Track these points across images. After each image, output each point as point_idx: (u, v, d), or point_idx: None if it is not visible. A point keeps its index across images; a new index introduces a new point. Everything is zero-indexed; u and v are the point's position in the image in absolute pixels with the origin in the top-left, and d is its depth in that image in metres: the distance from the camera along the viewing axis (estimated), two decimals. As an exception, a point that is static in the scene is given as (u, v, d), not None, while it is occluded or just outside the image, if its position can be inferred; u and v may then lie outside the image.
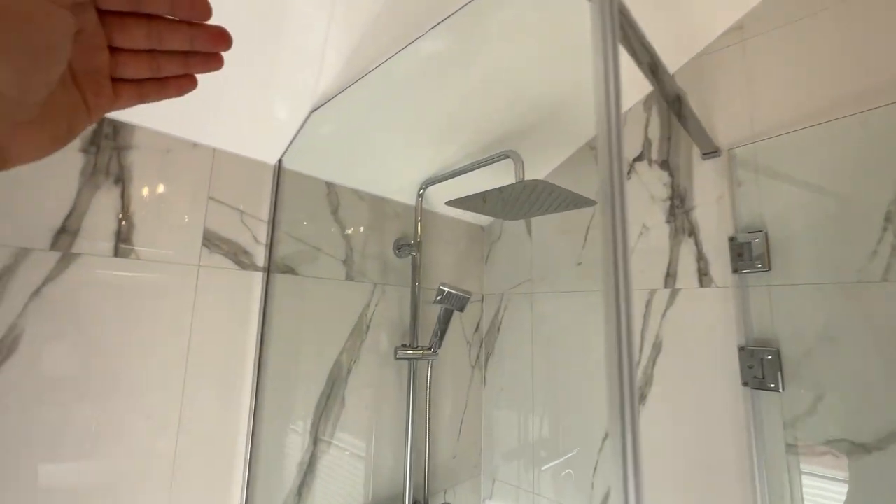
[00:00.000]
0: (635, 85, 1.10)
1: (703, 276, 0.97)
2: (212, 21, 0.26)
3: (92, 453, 0.64)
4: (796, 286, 0.83)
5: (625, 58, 0.94)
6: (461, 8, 0.67)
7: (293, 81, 0.76)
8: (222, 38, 0.26)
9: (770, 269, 0.86)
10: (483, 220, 1.42)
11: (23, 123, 0.21)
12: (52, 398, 0.62)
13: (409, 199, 1.17)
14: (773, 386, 0.81)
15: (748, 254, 0.89)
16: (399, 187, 1.12)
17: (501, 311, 1.34)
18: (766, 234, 0.87)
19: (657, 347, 1.01)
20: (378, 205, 1.10)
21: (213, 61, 0.27)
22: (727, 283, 0.93)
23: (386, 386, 1.08)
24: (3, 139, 0.21)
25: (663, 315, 1.02)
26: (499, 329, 1.35)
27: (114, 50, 0.25)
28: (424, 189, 1.13)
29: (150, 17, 0.24)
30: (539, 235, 1.29)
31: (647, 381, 1.01)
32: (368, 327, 1.05)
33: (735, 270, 0.91)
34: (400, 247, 1.13)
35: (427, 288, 1.18)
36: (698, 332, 0.96)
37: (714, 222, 0.97)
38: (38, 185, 0.63)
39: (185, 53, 0.27)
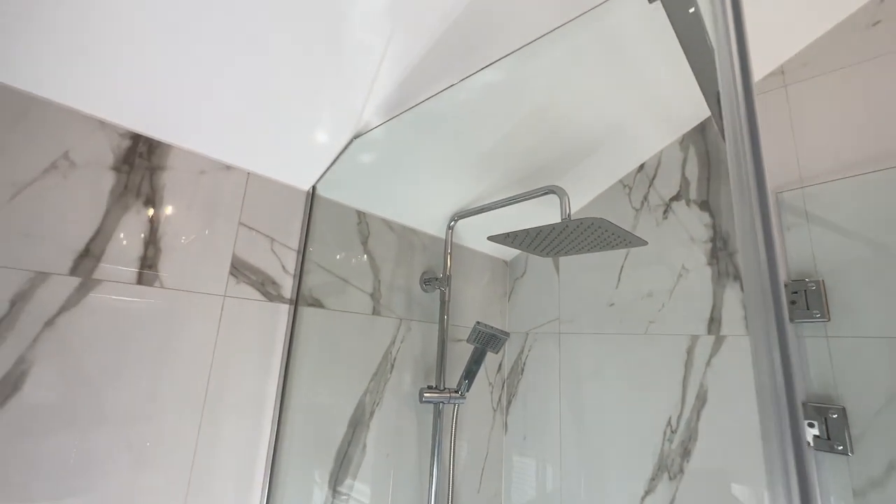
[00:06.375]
0: (672, 123, 1.08)
1: (752, 323, 0.92)
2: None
3: (118, 483, 0.56)
4: (862, 339, 0.78)
5: (678, 86, 0.92)
6: (524, 46, 0.65)
7: (340, 103, 0.73)
8: None
9: (829, 320, 0.81)
10: (507, 254, 1.37)
11: None
12: (60, 435, 0.54)
13: (437, 230, 1.13)
14: (841, 448, 0.74)
15: (802, 302, 0.84)
16: (429, 218, 1.08)
17: (526, 351, 1.28)
18: (823, 283, 0.83)
19: (701, 398, 0.95)
20: (407, 236, 1.06)
21: None
22: (779, 332, 0.88)
23: (408, 430, 1.00)
24: None
25: (707, 363, 0.96)
26: (522, 370, 1.27)
27: None
28: (455, 221, 1.09)
29: None
30: (568, 273, 1.24)
31: (692, 436, 0.94)
32: (393, 366, 0.98)
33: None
34: (427, 280, 1.08)
35: (453, 325, 1.12)
36: (747, 382, 0.90)
37: (761, 267, 0.93)
38: (64, 204, 0.58)
39: None
